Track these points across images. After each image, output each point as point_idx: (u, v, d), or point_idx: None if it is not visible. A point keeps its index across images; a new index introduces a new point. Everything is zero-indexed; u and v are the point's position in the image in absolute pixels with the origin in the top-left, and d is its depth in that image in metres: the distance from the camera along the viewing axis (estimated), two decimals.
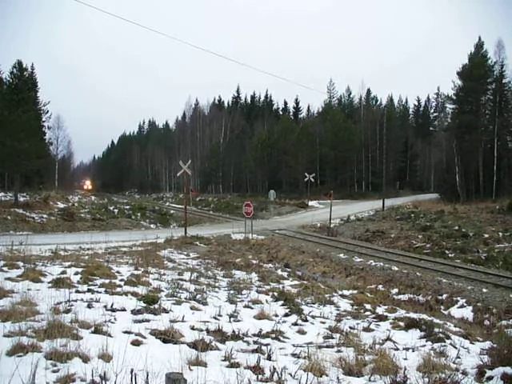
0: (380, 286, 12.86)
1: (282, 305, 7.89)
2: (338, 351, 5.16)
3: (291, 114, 72.18)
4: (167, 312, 6.15)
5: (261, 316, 6.76)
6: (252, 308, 7.37)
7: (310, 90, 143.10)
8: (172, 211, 39.11)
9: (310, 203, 41.49)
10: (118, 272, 9.54)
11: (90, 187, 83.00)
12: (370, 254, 17.55)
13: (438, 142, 57.43)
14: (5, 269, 8.47)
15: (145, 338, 4.90)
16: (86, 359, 3.96)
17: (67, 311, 5.45)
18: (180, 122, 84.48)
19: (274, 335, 5.77)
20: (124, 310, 5.99)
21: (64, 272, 8.57)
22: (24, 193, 33.26)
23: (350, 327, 6.54)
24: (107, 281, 8.07)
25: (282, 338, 5.74)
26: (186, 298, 7.33)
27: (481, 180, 38.07)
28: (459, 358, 5.07)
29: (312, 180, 38.64)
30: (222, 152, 61.57)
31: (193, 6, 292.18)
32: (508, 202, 25.60)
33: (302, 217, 34.04)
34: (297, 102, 72.10)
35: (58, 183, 49.28)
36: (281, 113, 73.25)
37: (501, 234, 19.79)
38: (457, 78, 41.60)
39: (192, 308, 6.75)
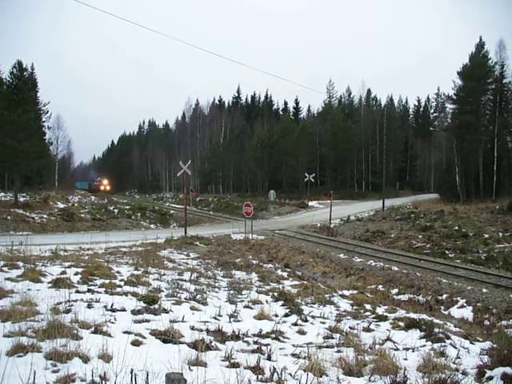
0: (380, 286, 12.87)
1: (282, 305, 7.88)
2: (338, 351, 5.16)
3: (291, 114, 72.10)
4: (167, 312, 6.14)
5: (261, 316, 6.75)
6: (252, 308, 7.36)
7: (310, 90, 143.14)
8: (172, 211, 39.10)
9: (310, 203, 41.49)
10: (117, 272, 9.54)
11: (108, 188, 66.92)
12: (370, 254, 17.55)
13: (438, 142, 57.40)
14: (5, 269, 8.47)
15: (145, 338, 4.90)
16: (85, 359, 3.95)
17: (67, 311, 5.44)
18: (180, 122, 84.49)
19: (273, 335, 5.76)
20: (124, 310, 5.99)
21: (64, 272, 8.57)
22: (24, 193, 33.27)
23: (350, 327, 6.53)
24: (107, 281, 8.07)
25: (282, 338, 5.74)
26: (185, 298, 7.32)
27: (481, 180, 38.05)
28: (459, 358, 5.06)
29: (312, 180, 38.64)
30: (222, 152, 61.54)
31: (193, 5, 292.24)
32: (508, 202, 25.59)
33: (302, 217, 34.03)
34: (297, 102, 72.16)
35: (57, 183, 49.26)
36: (281, 113, 73.20)
37: (501, 234, 19.80)
38: (457, 77, 41.69)
39: (192, 308, 6.74)
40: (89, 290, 7.07)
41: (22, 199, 30.10)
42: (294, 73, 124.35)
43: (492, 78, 40.42)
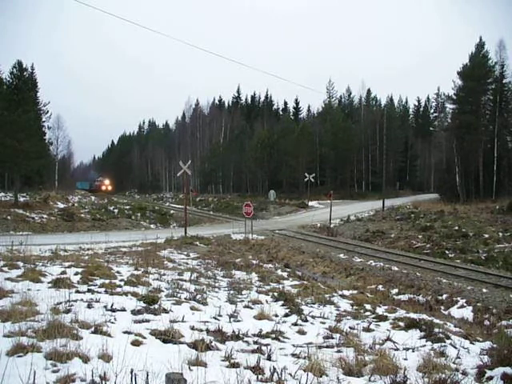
0: (380, 286, 12.87)
1: (282, 305, 7.88)
2: (338, 351, 5.16)
3: (291, 114, 72.11)
4: (167, 312, 6.14)
5: (261, 316, 6.75)
6: (252, 308, 7.36)
7: (310, 90, 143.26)
8: (172, 211, 39.10)
9: (310, 203, 41.48)
10: (117, 272, 9.54)
11: (110, 188, 65.08)
12: (370, 254, 17.55)
13: (438, 142, 57.41)
14: (5, 269, 8.47)
15: (145, 338, 4.90)
16: (85, 359, 3.96)
17: (67, 311, 5.45)
18: (180, 122, 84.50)
19: (273, 335, 5.76)
20: (124, 310, 5.99)
21: (64, 272, 8.57)
22: (24, 193, 33.26)
23: (350, 327, 6.53)
24: (107, 281, 8.07)
25: (282, 338, 5.74)
26: (185, 298, 7.32)
27: (481, 180, 38.05)
28: (459, 358, 5.06)
29: (312, 180, 38.64)
30: (222, 152, 61.55)
31: (193, 5, 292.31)
32: (508, 202, 25.58)
33: (302, 217, 34.03)
34: (297, 102, 72.11)
35: (57, 183, 49.25)
36: (281, 113, 73.21)
37: (501, 234, 19.79)
38: (457, 77, 41.69)
39: (192, 308, 6.74)
40: (89, 290, 7.07)
41: (22, 199, 30.09)
42: (294, 73, 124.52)
43: (492, 77, 40.42)
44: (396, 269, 14.81)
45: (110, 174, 74.44)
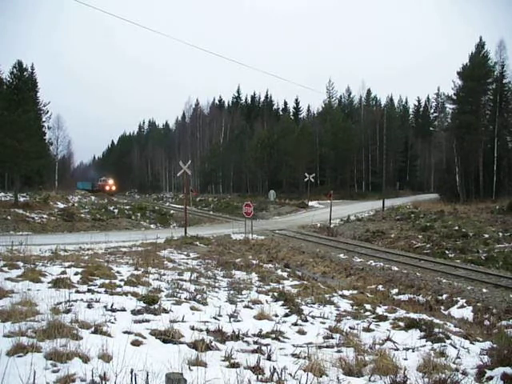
0: (380, 286, 12.86)
1: (282, 305, 7.89)
2: (338, 351, 5.16)
3: (291, 114, 72.09)
4: (167, 312, 6.15)
5: (261, 316, 6.75)
6: (252, 308, 7.37)
7: (310, 90, 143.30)
8: (172, 211, 39.08)
9: (310, 203, 41.48)
10: (117, 272, 9.54)
11: (113, 188, 61.14)
12: (370, 254, 17.55)
13: (438, 142, 57.42)
14: (5, 269, 8.48)
15: (145, 338, 4.90)
16: (85, 359, 3.96)
17: (67, 311, 5.45)
18: (180, 122, 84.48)
19: (273, 335, 5.77)
20: (124, 310, 6.00)
21: (64, 272, 8.58)
22: (24, 193, 33.26)
23: (350, 327, 6.53)
24: (107, 281, 8.07)
25: (281, 338, 5.74)
26: (185, 298, 7.32)
27: (481, 180, 38.05)
28: (459, 358, 5.06)
29: (312, 180, 38.60)
30: (222, 152, 61.54)
31: (193, 5, 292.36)
32: (508, 202, 25.58)
33: (302, 217, 34.03)
34: (297, 102, 72.14)
35: (58, 183, 49.24)
36: (281, 113, 73.17)
37: (501, 234, 19.78)
38: (457, 77, 41.68)
39: (192, 308, 6.75)
40: (89, 290, 7.07)
41: (22, 199, 30.08)
42: (294, 73, 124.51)
43: (492, 78, 40.43)
44: (396, 269, 14.81)
45: (110, 174, 73.71)
